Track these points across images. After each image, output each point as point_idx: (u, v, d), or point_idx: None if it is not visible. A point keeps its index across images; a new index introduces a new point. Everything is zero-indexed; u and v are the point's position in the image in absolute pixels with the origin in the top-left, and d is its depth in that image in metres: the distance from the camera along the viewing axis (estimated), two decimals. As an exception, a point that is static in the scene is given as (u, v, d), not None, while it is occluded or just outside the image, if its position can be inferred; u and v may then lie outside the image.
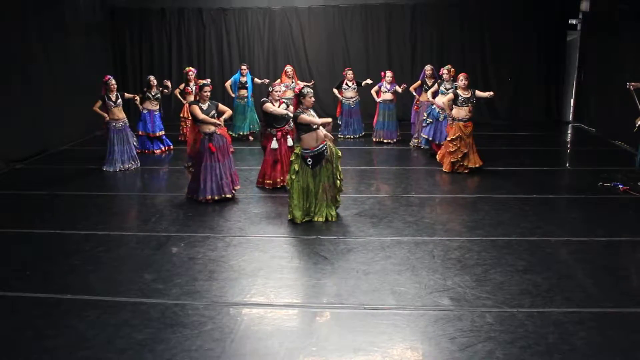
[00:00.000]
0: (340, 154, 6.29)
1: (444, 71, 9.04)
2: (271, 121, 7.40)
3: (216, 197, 6.91)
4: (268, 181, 7.51)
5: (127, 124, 8.74)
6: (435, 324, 4.05)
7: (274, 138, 7.39)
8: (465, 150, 8.03)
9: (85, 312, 4.29)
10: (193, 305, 4.39)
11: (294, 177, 6.12)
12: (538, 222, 6.13)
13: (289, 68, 10.61)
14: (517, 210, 6.55)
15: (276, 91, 7.60)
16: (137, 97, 9.59)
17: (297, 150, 6.20)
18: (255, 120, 10.89)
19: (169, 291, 4.62)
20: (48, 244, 5.76)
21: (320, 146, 6.09)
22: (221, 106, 7.11)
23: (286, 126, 7.41)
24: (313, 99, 6.20)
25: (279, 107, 7.42)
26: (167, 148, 9.99)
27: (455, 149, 8.03)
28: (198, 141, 6.99)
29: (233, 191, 7.07)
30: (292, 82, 10.33)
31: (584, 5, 11.83)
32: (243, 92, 10.68)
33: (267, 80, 10.83)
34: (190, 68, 10.39)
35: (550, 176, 8.30)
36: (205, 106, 6.88)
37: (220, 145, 6.93)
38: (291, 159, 6.28)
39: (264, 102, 7.40)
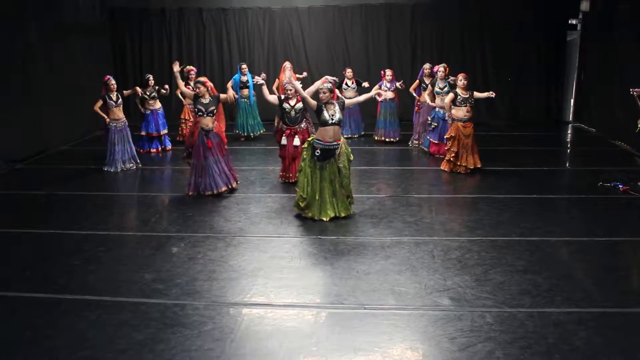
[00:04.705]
0: (352, 157, 6.32)
1: (439, 69, 9.04)
2: (284, 119, 7.47)
3: (208, 193, 7.12)
4: (289, 174, 7.66)
5: (127, 124, 8.74)
6: (435, 324, 4.05)
7: (283, 135, 7.49)
8: (456, 150, 8.03)
9: (85, 312, 4.29)
10: (193, 305, 4.39)
11: (302, 164, 6.26)
12: (538, 222, 6.12)
13: (287, 64, 10.58)
14: (517, 210, 6.55)
15: (289, 89, 7.57)
16: (138, 90, 9.55)
17: (310, 139, 6.31)
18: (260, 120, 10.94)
19: (169, 291, 4.62)
20: (48, 244, 5.76)
21: (333, 143, 6.11)
22: (222, 95, 7.34)
23: (297, 126, 7.44)
24: (327, 93, 6.16)
25: (295, 104, 7.42)
26: (163, 148, 9.97)
27: (448, 148, 8.06)
28: (195, 134, 7.20)
29: (230, 186, 7.28)
30: (290, 77, 10.30)
31: (584, 5, 11.82)
32: (245, 91, 10.65)
33: (262, 76, 10.76)
34: (192, 67, 10.35)
35: (550, 176, 8.29)
36: (206, 101, 7.08)
37: (215, 142, 7.12)
38: (304, 146, 6.38)
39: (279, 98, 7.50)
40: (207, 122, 7.06)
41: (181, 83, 7.51)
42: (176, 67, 7.41)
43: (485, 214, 6.42)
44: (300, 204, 6.27)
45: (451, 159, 8.08)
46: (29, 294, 4.63)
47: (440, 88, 8.95)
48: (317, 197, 6.21)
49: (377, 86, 10.27)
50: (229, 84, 10.88)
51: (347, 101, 6.44)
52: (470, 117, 8.05)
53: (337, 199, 6.26)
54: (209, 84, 7.22)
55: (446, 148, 8.18)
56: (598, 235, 5.76)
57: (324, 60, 12.83)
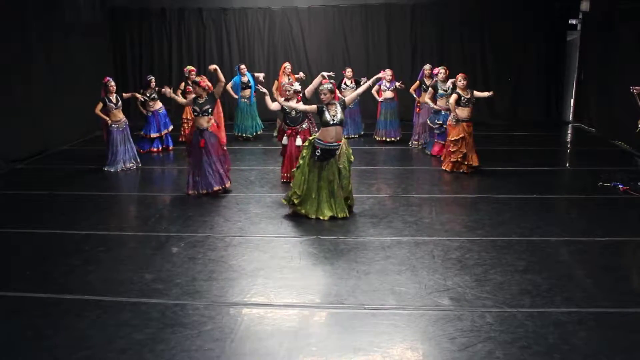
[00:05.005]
0: (352, 159, 6.35)
1: (440, 71, 9.01)
2: (286, 120, 7.50)
3: (203, 192, 7.18)
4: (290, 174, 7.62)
5: (127, 124, 8.74)
6: (435, 324, 4.05)
7: (285, 135, 7.52)
8: (465, 151, 8.02)
9: (85, 312, 4.29)
10: (193, 305, 4.39)
11: (301, 161, 6.26)
12: (538, 222, 6.12)
13: (287, 66, 10.57)
14: (517, 210, 6.55)
15: (287, 90, 7.56)
16: (138, 96, 9.59)
17: (311, 138, 6.32)
18: (260, 120, 10.93)
19: (169, 291, 4.62)
20: (48, 244, 5.76)
21: (334, 143, 6.11)
22: (215, 90, 7.23)
23: (298, 126, 7.44)
24: (328, 94, 6.13)
25: (296, 103, 7.42)
26: (165, 147, 9.96)
27: (456, 149, 8.03)
28: (192, 134, 7.29)
29: (224, 185, 7.27)
30: (289, 79, 10.30)
31: (584, 5, 11.83)
32: (247, 92, 10.63)
33: (262, 75, 10.73)
34: (192, 67, 10.33)
35: (550, 176, 8.30)
36: (202, 101, 7.11)
37: (212, 142, 7.13)
38: (305, 144, 6.38)
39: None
40: (202, 121, 7.10)
41: (181, 99, 7.67)
42: (167, 91, 7.67)
43: (485, 214, 6.42)
44: (295, 200, 6.26)
45: (458, 159, 8.05)
46: (29, 294, 4.63)
47: (444, 90, 8.90)
48: (313, 196, 6.21)
49: (376, 86, 10.29)
50: (229, 86, 10.87)
51: (347, 98, 6.45)
52: (471, 116, 8.06)
53: (334, 200, 6.26)
54: (204, 83, 7.20)
55: (451, 150, 8.11)
56: (598, 235, 5.76)
57: (324, 60, 12.80)
